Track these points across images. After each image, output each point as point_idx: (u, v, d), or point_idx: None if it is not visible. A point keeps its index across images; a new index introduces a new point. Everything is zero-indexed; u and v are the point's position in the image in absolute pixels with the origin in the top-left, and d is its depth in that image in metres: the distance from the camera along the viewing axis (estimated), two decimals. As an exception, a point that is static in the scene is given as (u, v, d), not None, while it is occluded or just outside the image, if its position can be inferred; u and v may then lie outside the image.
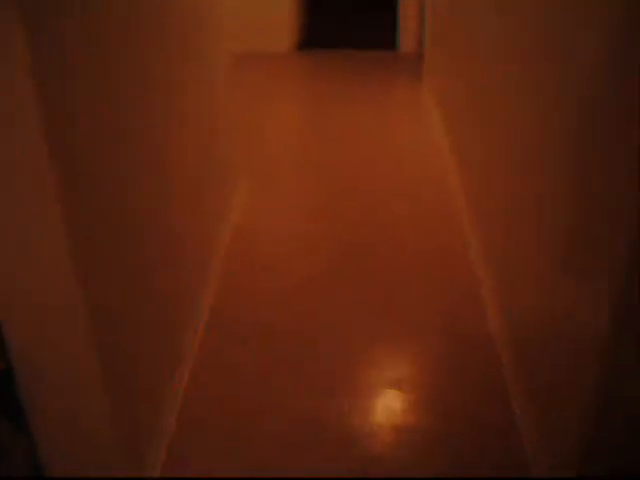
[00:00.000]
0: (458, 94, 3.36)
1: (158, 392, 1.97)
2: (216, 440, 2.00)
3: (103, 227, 1.51)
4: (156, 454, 1.90)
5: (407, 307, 2.55)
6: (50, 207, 1.25)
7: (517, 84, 2.12)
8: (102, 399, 1.48)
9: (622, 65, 1.29)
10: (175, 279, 2.18)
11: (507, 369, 2.18)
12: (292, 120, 4.50)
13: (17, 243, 1.28)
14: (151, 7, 1.92)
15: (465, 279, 2.69)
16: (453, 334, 2.40)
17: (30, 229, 1.26)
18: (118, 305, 1.59)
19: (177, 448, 1.97)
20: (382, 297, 2.61)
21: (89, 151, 1.43)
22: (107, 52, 1.58)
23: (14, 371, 1.39)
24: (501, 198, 2.35)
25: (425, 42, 4.80)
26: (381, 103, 4.62)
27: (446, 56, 3.81)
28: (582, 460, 1.56)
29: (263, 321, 2.49)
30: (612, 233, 1.32)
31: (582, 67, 1.50)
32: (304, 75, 5.36)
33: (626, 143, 1.25)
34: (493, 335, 2.37)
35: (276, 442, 1.99)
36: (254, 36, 5.58)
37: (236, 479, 1.87)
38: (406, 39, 5.58)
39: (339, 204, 3.31)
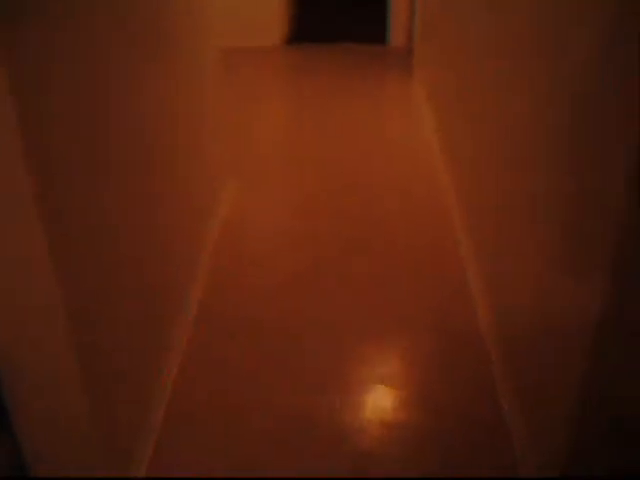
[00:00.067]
0: (449, 89, 3.34)
1: (146, 388, 1.95)
2: (204, 436, 1.99)
3: (82, 226, 1.49)
4: (143, 450, 1.88)
5: (397, 303, 2.54)
6: (28, 207, 1.23)
7: (509, 80, 2.10)
8: (81, 398, 1.46)
9: (615, 61, 1.27)
10: (163, 274, 2.16)
11: (496, 366, 2.17)
12: (281, 116, 4.47)
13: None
14: (139, 1, 1.89)
15: (455, 276, 2.69)
16: (444, 330, 2.39)
17: (8, 229, 1.23)
18: (97, 304, 1.57)
19: (165, 444, 1.95)
20: (372, 293, 2.60)
21: (66, 151, 1.41)
22: (91, 47, 1.55)
23: (-3, 370, 1.37)
24: (492, 194, 2.34)
25: (415, 36, 4.78)
26: (371, 98, 4.60)
27: (436, 50, 3.79)
28: (568, 459, 1.56)
29: (252, 316, 2.48)
30: (604, 230, 1.31)
31: (575, 63, 1.49)
32: (294, 70, 5.32)
33: (619, 139, 1.24)
34: (483, 332, 2.36)
35: (264, 438, 1.97)
36: (243, 30, 5.54)
37: (229, 479, 1.85)
38: (396, 33, 5.56)
39: (328, 200, 3.29)
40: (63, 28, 1.39)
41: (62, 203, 1.38)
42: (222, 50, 3.35)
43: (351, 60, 5.32)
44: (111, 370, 1.67)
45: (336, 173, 3.55)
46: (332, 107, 4.44)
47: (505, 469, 1.86)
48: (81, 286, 1.47)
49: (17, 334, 1.32)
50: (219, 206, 3.11)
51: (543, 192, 1.71)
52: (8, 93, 1.15)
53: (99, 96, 1.60)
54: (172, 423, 2.03)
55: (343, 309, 2.52)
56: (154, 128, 2.08)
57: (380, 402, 2.11)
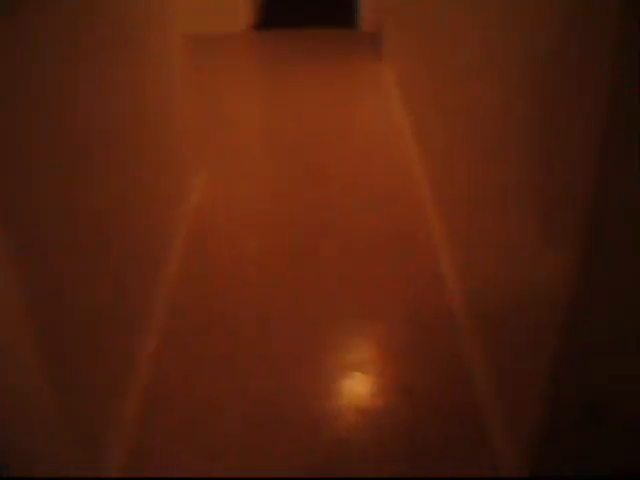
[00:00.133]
0: (418, 76, 3.34)
1: (119, 382, 1.94)
2: (180, 421, 2.01)
3: (46, 209, 1.47)
4: (119, 442, 1.88)
5: (371, 292, 2.55)
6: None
7: (479, 71, 2.11)
8: (51, 396, 1.45)
9: (579, 50, 1.28)
10: (134, 260, 2.14)
11: (471, 356, 2.20)
12: (251, 102, 4.43)
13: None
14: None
15: (429, 267, 2.70)
16: (417, 322, 2.41)
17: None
18: (62, 290, 1.55)
19: (141, 430, 1.98)
20: (345, 283, 2.60)
21: (29, 146, 1.38)
22: (55, 38, 1.51)
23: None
24: (464, 185, 2.35)
25: (385, 21, 4.76)
26: (341, 83, 4.58)
27: (406, 36, 3.78)
28: (542, 442, 1.59)
29: (226, 305, 2.47)
30: (574, 218, 1.33)
31: (543, 53, 1.50)
32: (262, 56, 5.26)
33: (587, 130, 1.25)
34: (457, 317, 2.38)
35: (240, 423, 1.99)
36: (210, 18, 5.45)
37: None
38: (366, 18, 5.53)
39: (299, 188, 3.27)
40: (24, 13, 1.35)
41: (24, 193, 1.35)
42: (189, 38, 3.30)
43: (321, 45, 5.28)
44: (79, 358, 1.64)
45: (306, 160, 3.53)
46: (302, 92, 4.41)
47: (480, 452, 1.89)
48: (44, 270, 1.44)
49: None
50: (190, 194, 3.08)
51: (514, 183, 1.73)
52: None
53: (64, 86, 1.56)
54: (148, 409, 2.04)
55: (317, 297, 2.52)
56: (121, 120, 2.04)
57: (356, 388, 2.13)
